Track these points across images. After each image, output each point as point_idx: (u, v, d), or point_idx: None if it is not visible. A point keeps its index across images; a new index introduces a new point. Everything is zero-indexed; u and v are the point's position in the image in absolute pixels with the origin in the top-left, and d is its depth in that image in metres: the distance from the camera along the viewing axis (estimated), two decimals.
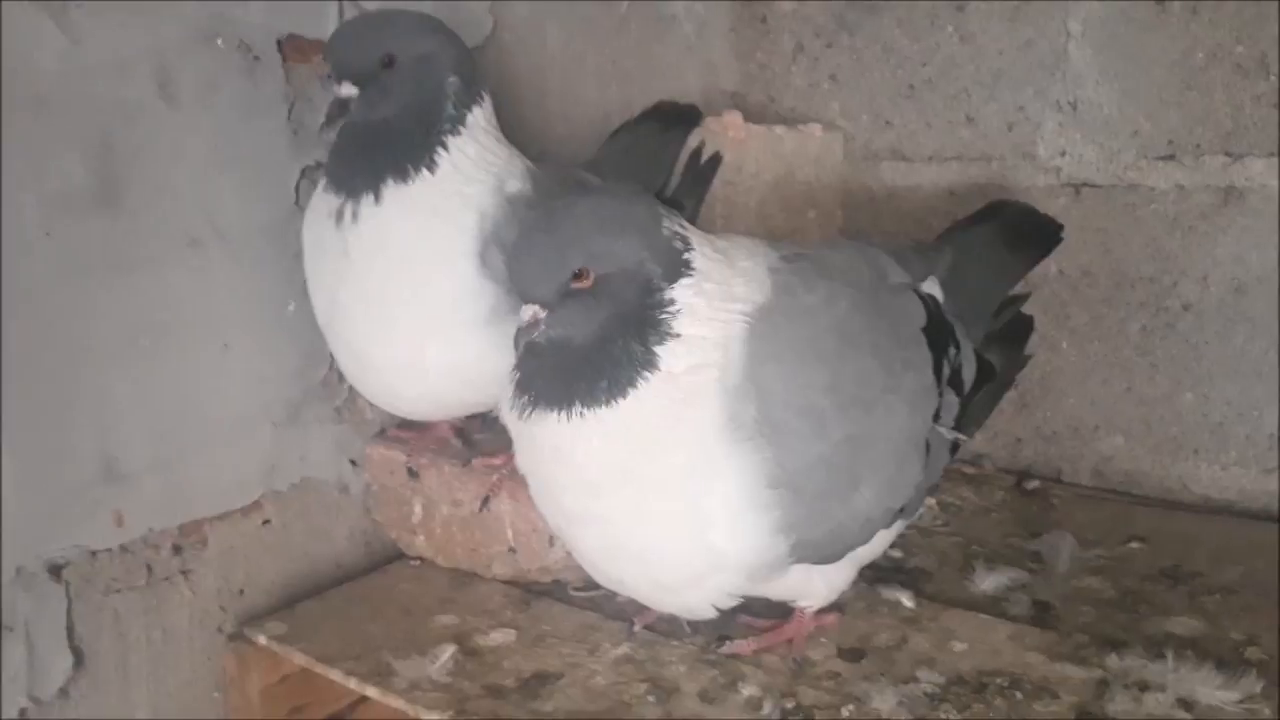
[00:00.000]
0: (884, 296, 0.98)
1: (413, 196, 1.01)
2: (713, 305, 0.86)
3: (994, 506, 1.40)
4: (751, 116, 1.58)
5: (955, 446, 1.04)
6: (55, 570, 0.99)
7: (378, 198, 1.01)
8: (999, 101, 1.47)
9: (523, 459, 0.92)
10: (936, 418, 0.99)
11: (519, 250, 0.87)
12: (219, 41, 1.07)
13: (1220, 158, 1.32)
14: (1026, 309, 1.20)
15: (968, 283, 1.12)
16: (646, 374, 0.84)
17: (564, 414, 0.84)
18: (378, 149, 1.01)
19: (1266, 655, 1.00)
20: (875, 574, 1.12)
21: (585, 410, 0.84)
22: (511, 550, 1.12)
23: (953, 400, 1.01)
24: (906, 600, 1.09)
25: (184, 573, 1.09)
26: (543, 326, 0.84)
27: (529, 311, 0.85)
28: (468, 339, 1.04)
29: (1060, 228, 1.27)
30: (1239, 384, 1.35)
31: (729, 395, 0.84)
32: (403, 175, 1.01)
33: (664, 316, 0.84)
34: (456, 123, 1.04)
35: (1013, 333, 1.18)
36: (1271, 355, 1.32)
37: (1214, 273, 1.35)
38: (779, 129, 1.53)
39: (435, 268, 1.02)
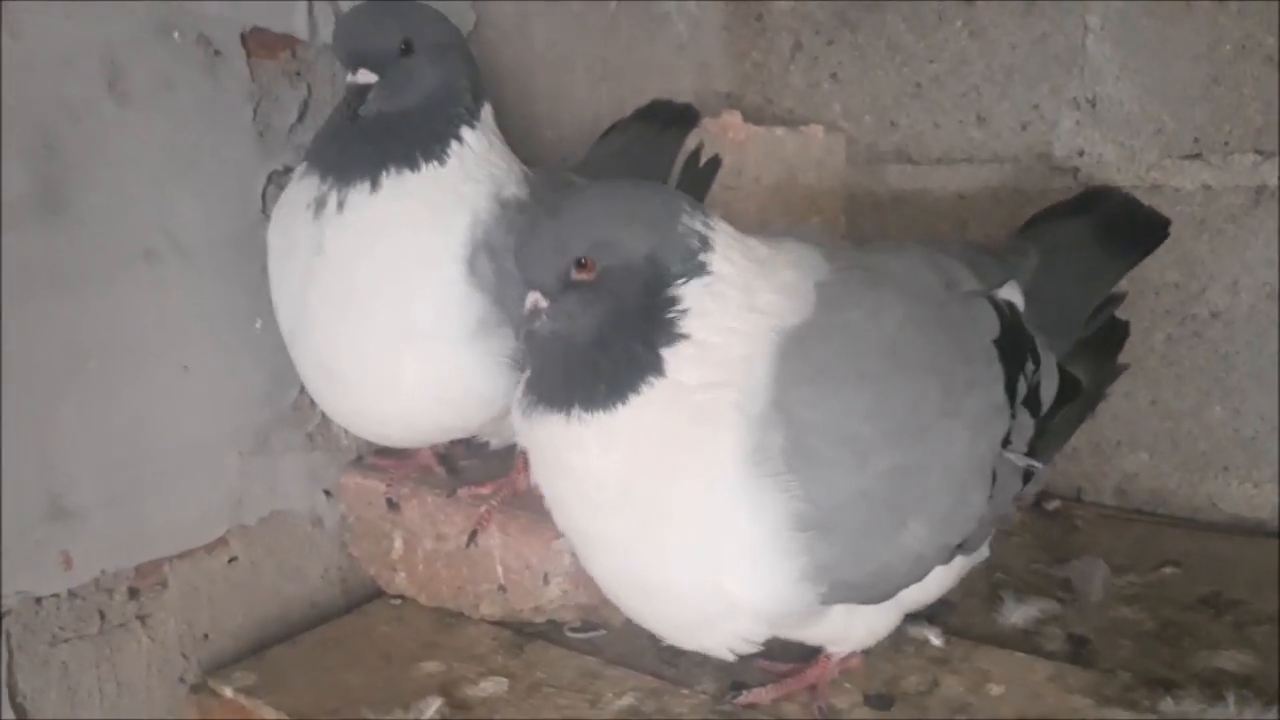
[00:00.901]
0: (950, 307, 0.88)
1: (411, 188, 0.93)
2: (730, 313, 0.77)
3: (1014, 529, 1.31)
4: (748, 118, 1.50)
5: (1029, 475, 0.92)
6: None
7: (374, 185, 0.92)
8: (1012, 100, 1.39)
9: (533, 467, 0.85)
10: (1006, 442, 0.88)
11: (526, 234, 0.80)
12: (175, 35, 0.99)
13: (1250, 156, 1.25)
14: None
15: (1054, 288, 1.01)
16: (651, 380, 0.76)
17: (562, 415, 0.77)
18: (388, 136, 0.93)
19: None
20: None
21: (583, 414, 0.76)
22: (501, 589, 1.02)
23: (1027, 422, 0.90)
24: (934, 637, 1.01)
25: (141, 618, 1.00)
26: (544, 317, 0.77)
27: (532, 298, 0.78)
28: (450, 353, 0.95)
29: (1167, 223, 1.14)
30: (1271, 396, 1.27)
31: (751, 423, 0.75)
32: (411, 164, 0.93)
33: (670, 317, 0.76)
34: (473, 115, 0.97)
35: (1103, 341, 1.06)
36: None
37: (1245, 278, 1.27)
38: (780, 130, 1.45)
39: (421, 269, 0.93)
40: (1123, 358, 1.32)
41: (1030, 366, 0.91)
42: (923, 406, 0.80)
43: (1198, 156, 1.28)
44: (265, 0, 1.05)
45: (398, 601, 1.13)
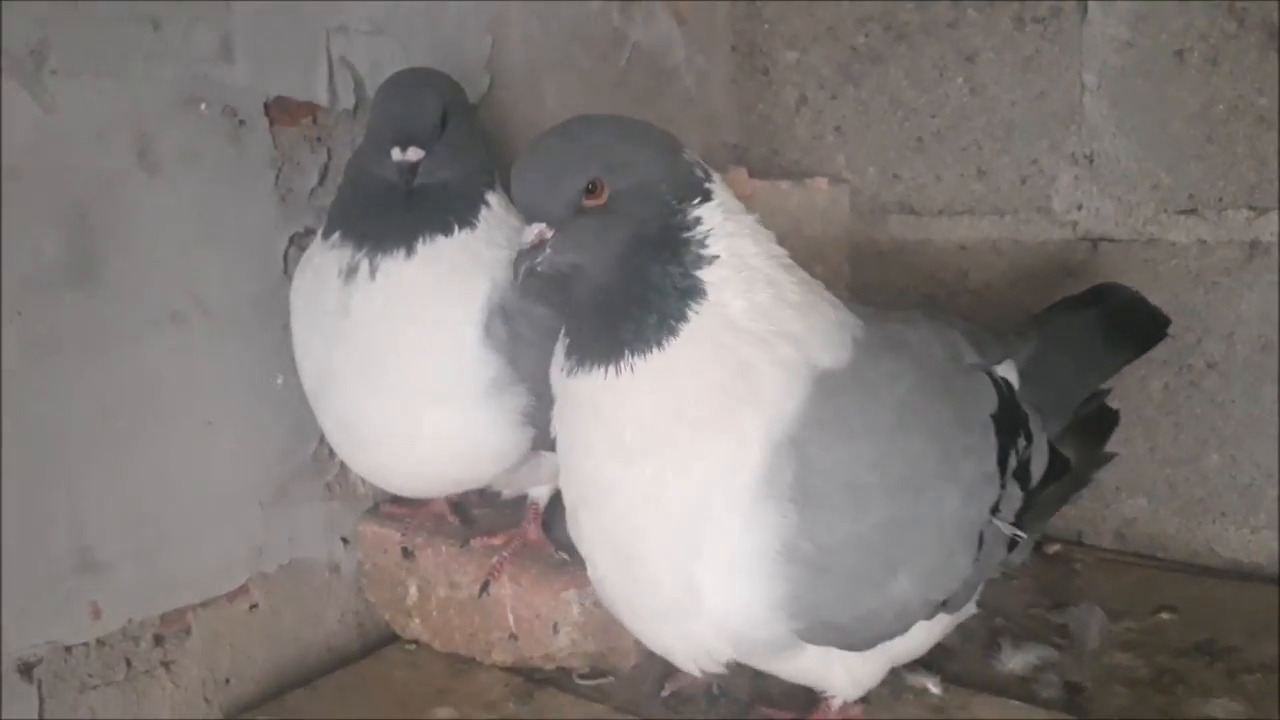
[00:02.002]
0: (954, 379, 0.91)
1: (443, 253, 0.97)
2: (747, 236, 0.81)
3: (1015, 573, 1.33)
4: (754, 169, 1.55)
5: (1013, 543, 0.95)
6: (26, 669, 0.93)
7: (410, 252, 0.96)
8: (1012, 154, 1.43)
9: (560, 421, 0.84)
10: (996, 510, 0.91)
11: (525, 162, 0.78)
12: (202, 106, 1.03)
13: (1244, 212, 1.28)
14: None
15: (1051, 371, 1.04)
16: (695, 306, 0.76)
17: (611, 366, 0.76)
18: (427, 204, 0.97)
19: None
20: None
21: (636, 358, 0.76)
22: (513, 636, 1.06)
23: (1016, 493, 0.93)
24: (933, 686, 1.03)
25: (165, 664, 1.04)
26: (549, 250, 0.76)
27: (533, 231, 0.76)
28: (465, 412, 0.99)
29: (1167, 323, 1.18)
30: (1268, 444, 1.30)
31: (769, 449, 0.76)
32: (446, 229, 0.97)
33: (695, 236, 0.77)
34: (494, 178, 1.02)
35: (1094, 427, 1.10)
36: None
37: (1239, 330, 1.30)
38: (784, 184, 1.49)
39: (441, 333, 0.97)
40: (1122, 405, 1.36)
41: (1022, 442, 0.94)
42: (922, 466, 0.83)
43: (1193, 212, 1.31)
44: (287, 70, 1.10)
45: (412, 646, 1.16)
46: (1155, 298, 1.32)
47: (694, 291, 0.76)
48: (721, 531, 0.77)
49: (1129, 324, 1.14)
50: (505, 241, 0.99)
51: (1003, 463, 0.90)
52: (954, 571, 0.87)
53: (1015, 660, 1.11)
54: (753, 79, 1.66)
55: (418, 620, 1.14)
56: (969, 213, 1.48)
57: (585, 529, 0.84)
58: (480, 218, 0.99)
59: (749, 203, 1.40)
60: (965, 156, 1.47)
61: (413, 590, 1.13)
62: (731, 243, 0.79)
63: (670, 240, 0.77)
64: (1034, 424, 0.97)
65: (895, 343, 0.88)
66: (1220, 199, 1.29)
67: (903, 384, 0.84)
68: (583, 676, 1.06)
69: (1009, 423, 0.93)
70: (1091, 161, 1.37)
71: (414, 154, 0.95)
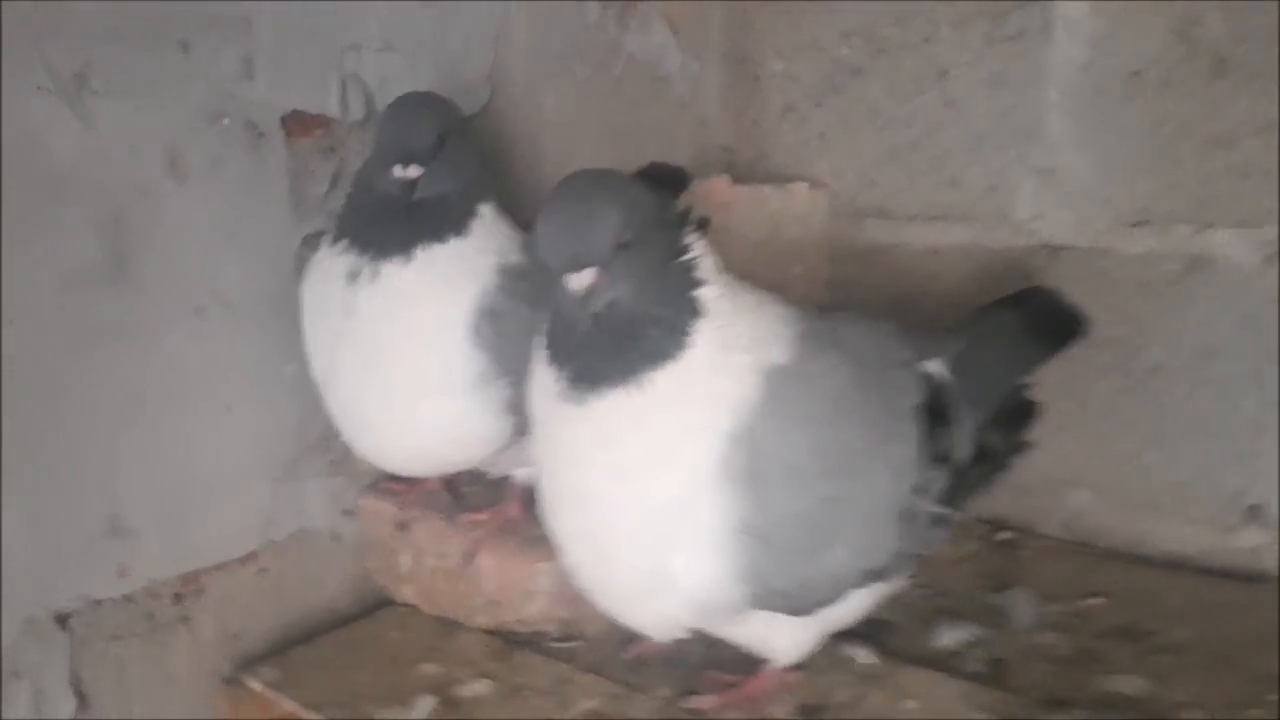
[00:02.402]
0: (885, 372, 1.03)
1: (437, 260, 1.09)
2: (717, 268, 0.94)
3: (967, 557, 1.45)
4: (742, 172, 1.65)
5: (943, 520, 1.06)
6: (61, 619, 1.06)
7: (408, 258, 1.08)
8: (981, 165, 1.52)
9: (545, 438, 0.95)
10: (922, 490, 1.02)
11: (555, 221, 0.87)
12: (225, 121, 1.15)
13: (1189, 226, 1.37)
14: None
15: (977, 366, 1.14)
16: (697, 323, 0.89)
17: (628, 388, 0.87)
18: (425, 215, 1.09)
19: (1208, 717, 1.05)
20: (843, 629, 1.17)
21: (654, 374, 0.87)
22: (493, 603, 1.18)
23: (941, 475, 1.05)
24: (868, 656, 1.14)
25: (183, 620, 1.17)
26: (604, 290, 0.86)
27: (584, 278, 0.85)
28: (456, 400, 1.11)
29: (1085, 323, 1.27)
30: (1203, 444, 1.39)
31: (729, 438, 0.88)
32: (441, 238, 1.09)
33: (692, 260, 0.92)
34: (488, 190, 1.14)
35: (1016, 417, 1.20)
36: (1233, 419, 1.36)
37: (1181, 337, 1.39)
38: (765, 188, 1.59)
39: (435, 332, 1.09)
40: (1071, 405, 1.47)
41: (949, 429, 1.06)
42: (855, 450, 0.96)
43: (1143, 224, 1.41)
44: (303, 86, 1.21)
45: (405, 609, 1.29)
46: (1106, 304, 1.43)
47: (697, 311, 0.89)
48: (694, 517, 0.89)
49: (1050, 324, 1.24)
50: (495, 249, 1.11)
51: (928, 447, 1.02)
52: (883, 544, 1.00)
53: (948, 636, 1.21)
54: (743, 86, 1.75)
55: (410, 586, 1.26)
56: (940, 219, 1.57)
57: (563, 524, 0.96)
58: (473, 228, 1.11)
59: (730, 208, 1.53)
60: (937, 166, 1.56)
61: (406, 559, 1.25)
62: (710, 261, 0.93)
63: (679, 266, 0.90)
64: (959, 413, 1.08)
65: (833, 340, 0.99)
66: (1168, 213, 1.38)
67: (839, 377, 0.97)
68: (554, 640, 1.18)
69: (935, 412, 1.04)
70: (1053, 174, 1.46)
71: (413, 171, 1.07)
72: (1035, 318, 1.24)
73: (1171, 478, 1.43)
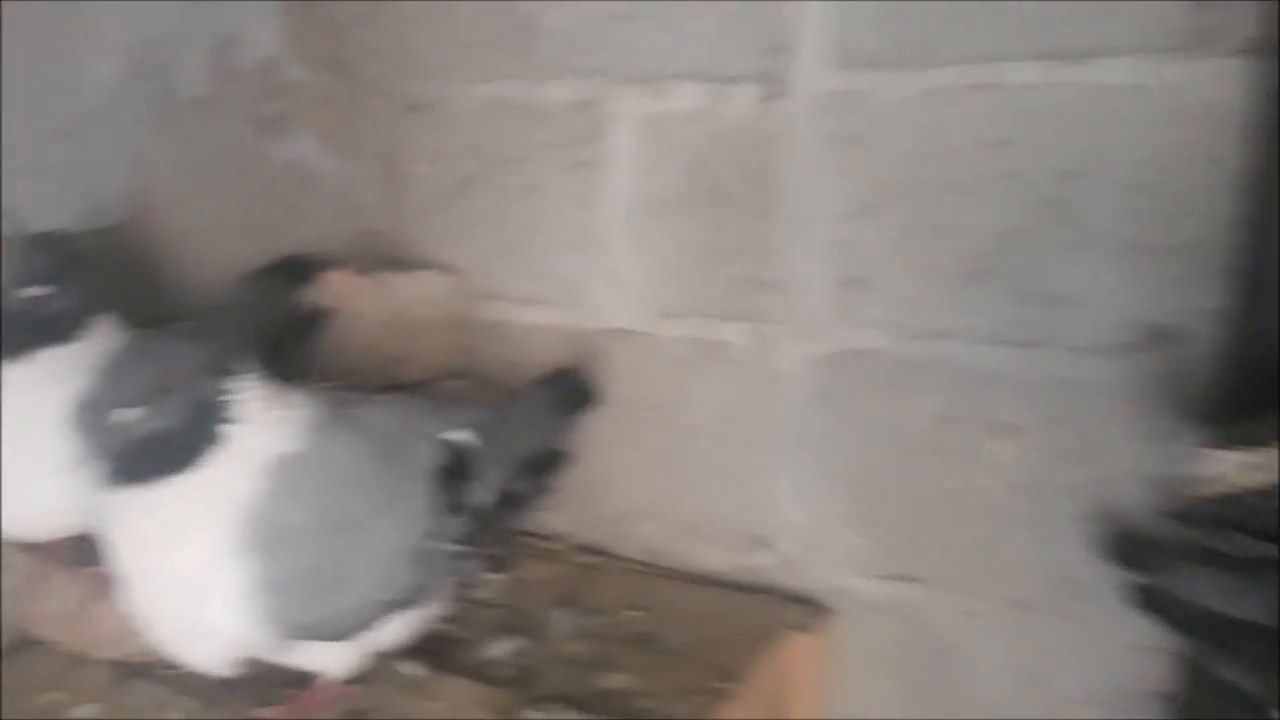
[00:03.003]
0: (400, 443, 1.32)
1: (42, 365, 1.35)
2: (258, 407, 1.21)
3: (554, 580, 1.73)
4: (395, 257, 1.95)
5: (467, 555, 1.36)
6: None
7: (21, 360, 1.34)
8: (565, 264, 1.84)
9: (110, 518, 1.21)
10: (440, 535, 1.32)
11: (115, 364, 1.17)
12: None
13: (708, 319, 1.75)
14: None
15: (505, 431, 1.45)
16: (222, 440, 1.17)
17: (164, 484, 1.16)
18: (32, 327, 1.36)
19: (653, 705, 1.39)
20: (407, 648, 1.42)
21: (185, 473, 1.16)
22: (112, 640, 1.45)
23: (460, 521, 1.34)
24: (415, 668, 1.42)
25: None
26: (138, 422, 1.14)
27: (129, 413, 1.13)
28: (56, 480, 1.34)
29: (592, 396, 1.64)
30: (726, 487, 1.78)
31: (245, 511, 1.17)
32: (46, 347, 1.36)
33: (223, 402, 1.18)
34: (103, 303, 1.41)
35: (542, 469, 1.53)
36: (745, 468, 1.75)
37: (708, 402, 1.77)
38: (392, 275, 1.89)
39: (40, 421, 1.34)
40: (636, 454, 1.83)
41: (467, 484, 1.37)
42: (359, 511, 1.25)
43: (677, 316, 1.78)
44: None
45: (41, 648, 1.51)
46: (657, 375, 1.80)
47: (224, 427, 1.18)
48: (223, 579, 1.18)
49: (565, 397, 1.61)
50: (92, 358, 1.37)
51: (444, 499, 1.32)
52: (400, 581, 1.28)
53: (497, 648, 1.47)
54: (395, 183, 2.03)
55: (47, 627, 1.51)
56: (538, 303, 1.90)
57: (129, 589, 1.23)
58: (78, 337, 1.38)
59: (352, 297, 1.83)
60: (535, 262, 1.88)
61: (44, 604, 1.50)
62: (250, 381, 1.23)
63: (210, 407, 1.18)
64: (481, 470, 1.38)
65: (349, 422, 1.29)
66: (693, 308, 1.76)
67: (344, 453, 1.26)
68: (164, 668, 1.43)
69: (451, 472, 1.34)
70: (617, 275, 1.82)
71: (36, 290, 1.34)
72: (555, 393, 1.60)
73: (706, 512, 1.80)
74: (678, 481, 1.83)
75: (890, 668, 1.71)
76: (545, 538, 1.91)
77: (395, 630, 1.36)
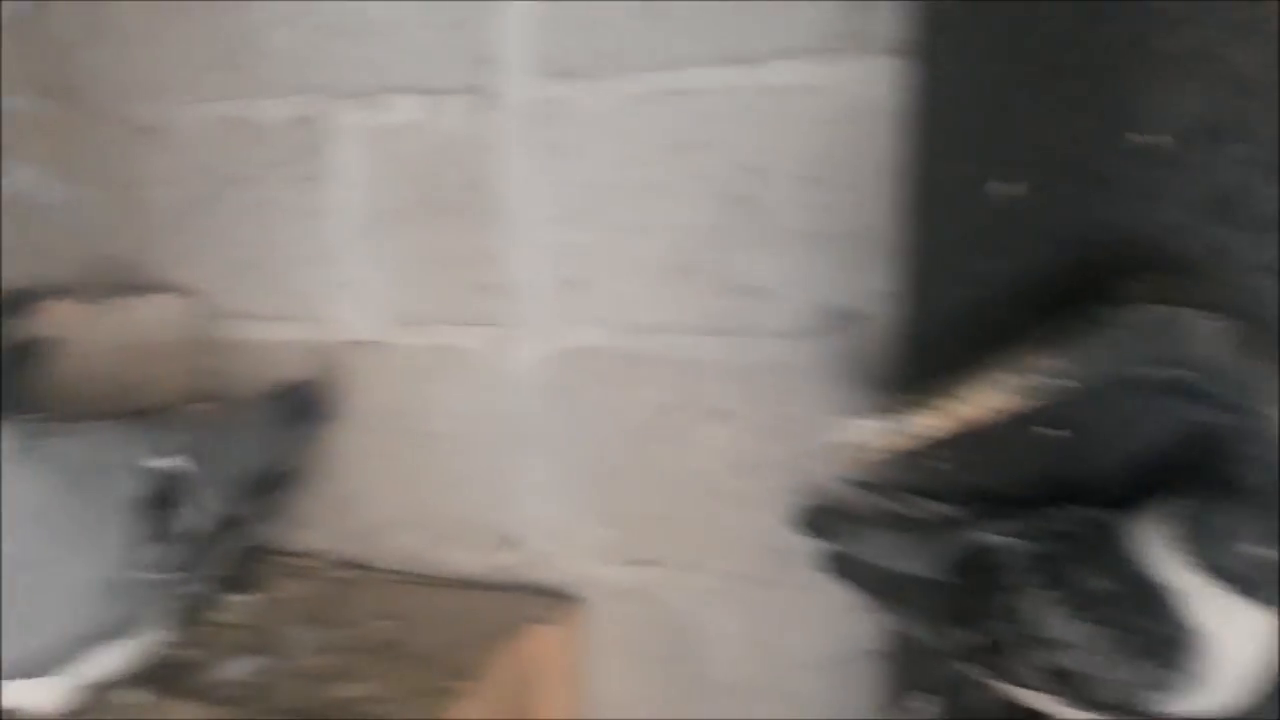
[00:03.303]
0: (96, 474, 1.31)
1: None
2: None
3: (306, 597, 1.73)
4: (134, 280, 1.92)
5: (180, 581, 1.39)
6: None
7: None
8: (300, 279, 1.86)
9: None
10: (145, 564, 1.34)
11: None
12: None
13: (446, 326, 1.79)
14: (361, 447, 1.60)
15: (224, 453, 1.47)
16: None
17: None
18: None
19: (385, 710, 1.40)
20: (134, 676, 1.42)
21: None
22: None
23: (173, 549, 1.35)
24: (141, 695, 1.40)
25: None
26: None
27: None
28: None
29: (321, 410, 1.66)
30: (474, 490, 1.82)
31: None
32: None
33: None
34: None
35: (271, 489, 1.56)
36: (492, 472, 1.79)
37: (449, 407, 1.81)
38: (124, 300, 1.86)
39: None
40: (387, 463, 1.85)
41: (177, 510, 1.38)
42: (39, 546, 1.24)
43: (411, 323, 1.81)
44: None
45: None
46: (395, 385, 1.83)
47: None
48: None
49: (296, 412, 1.63)
50: None
51: (151, 528, 1.32)
52: (98, 613, 1.28)
53: (236, 669, 1.45)
54: (131, 207, 2.00)
55: None
56: (277, 319, 1.90)
57: None
58: None
59: (77, 325, 1.80)
60: (272, 278, 1.88)
61: None
62: None
63: None
64: (196, 496, 1.40)
65: (40, 456, 1.27)
66: (426, 315, 1.79)
67: (26, 489, 1.24)
68: None
69: (157, 500, 1.35)
70: (349, 286, 1.84)
71: None
72: (286, 407, 1.61)
73: (456, 515, 1.84)
74: (427, 488, 1.86)
75: (638, 650, 1.78)
76: (299, 555, 1.91)
77: (108, 661, 1.36)
